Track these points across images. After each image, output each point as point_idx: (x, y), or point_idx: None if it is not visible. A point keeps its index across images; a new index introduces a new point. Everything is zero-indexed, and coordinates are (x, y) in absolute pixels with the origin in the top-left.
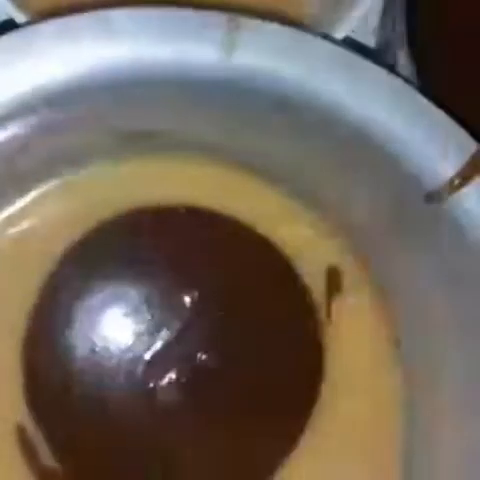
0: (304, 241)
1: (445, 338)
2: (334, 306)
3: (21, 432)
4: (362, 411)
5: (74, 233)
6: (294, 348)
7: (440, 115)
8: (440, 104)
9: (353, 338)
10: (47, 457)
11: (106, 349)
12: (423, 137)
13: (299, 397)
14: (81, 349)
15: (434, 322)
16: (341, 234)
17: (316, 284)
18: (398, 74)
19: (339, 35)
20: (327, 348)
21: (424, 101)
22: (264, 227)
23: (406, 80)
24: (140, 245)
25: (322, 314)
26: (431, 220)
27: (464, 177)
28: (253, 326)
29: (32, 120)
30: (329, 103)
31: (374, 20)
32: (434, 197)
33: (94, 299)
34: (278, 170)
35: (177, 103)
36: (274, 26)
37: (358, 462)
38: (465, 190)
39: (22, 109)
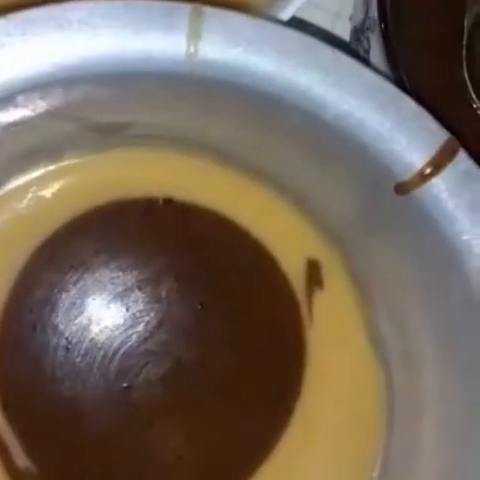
0: (284, 235)
1: (425, 332)
2: (315, 301)
3: None
4: (343, 407)
5: (49, 227)
6: (274, 342)
7: (410, 104)
8: (411, 93)
9: (334, 333)
10: (20, 456)
11: (79, 345)
12: (393, 126)
13: (280, 391)
14: (53, 346)
15: (415, 315)
16: (321, 228)
17: (297, 278)
18: (369, 62)
19: (285, 16)
20: (308, 343)
21: (394, 90)
22: (244, 220)
23: (377, 69)
24: (117, 237)
25: (304, 309)
26: (402, 212)
27: (435, 166)
28: (232, 319)
29: (7, 111)
30: (300, 95)
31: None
32: (404, 188)
33: (68, 294)
34: (257, 163)
35: (150, 96)
36: (241, 16)
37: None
38: (435, 180)
39: None
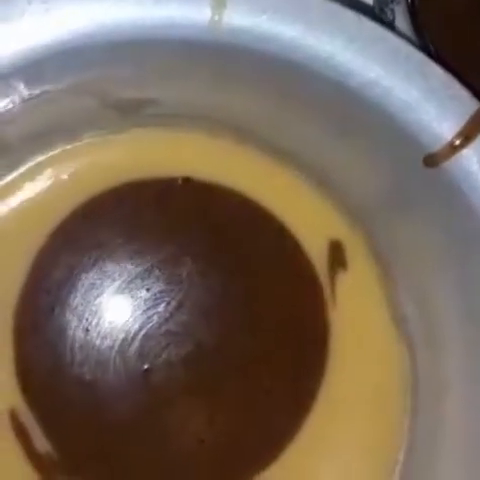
0: (306, 215)
1: (450, 309)
2: (338, 282)
3: (14, 417)
4: (367, 389)
5: (66, 208)
6: (296, 324)
7: (439, 73)
8: (439, 61)
9: (357, 314)
10: (41, 441)
11: (98, 327)
12: (421, 95)
13: (303, 374)
14: (72, 328)
15: (439, 294)
16: (344, 208)
17: (319, 259)
18: (395, 30)
19: None
20: (331, 324)
21: (422, 57)
22: (265, 200)
23: (404, 36)
24: (135, 218)
25: (327, 290)
26: (431, 185)
27: (465, 137)
28: (254, 300)
29: (21, 86)
30: (324, 63)
31: None
32: (434, 159)
33: (87, 275)
34: (278, 142)
35: (170, 67)
36: None
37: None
38: (465, 151)
39: (10, 72)
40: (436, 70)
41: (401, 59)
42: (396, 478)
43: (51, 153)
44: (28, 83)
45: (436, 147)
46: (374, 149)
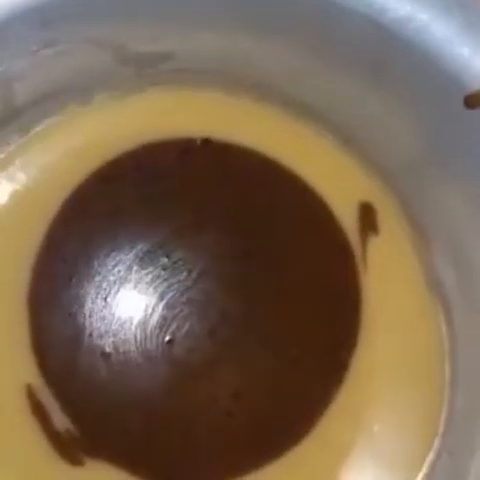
0: (333, 176)
1: None
2: (369, 246)
3: (31, 394)
4: (403, 360)
5: (80, 174)
6: (325, 291)
7: (477, 4)
8: None
9: (390, 280)
10: (60, 418)
11: (118, 296)
12: (460, 30)
13: (333, 344)
14: (90, 298)
15: (478, 255)
16: (374, 168)
17: (349, 223)
18: None
19: None
20: (363, 291)
21: None
22: (289, 161)
23: None
24: (153, 182)
25: (357, 254)
26: (470, 133)
27: None
28: (279, 267)
29: (28, 38)
30: (356, 1)
31: None
32: (475, 99)
33: (104, 243)
34: (301, 98)
35: (188, 16)
36: None
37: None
38: None
39: (14, 23)
40: (475, 2)
41: None
42: (435, 451)
43: (64, 115)
44: (35, 32)
45: (477, 85)
46: (408, 96)
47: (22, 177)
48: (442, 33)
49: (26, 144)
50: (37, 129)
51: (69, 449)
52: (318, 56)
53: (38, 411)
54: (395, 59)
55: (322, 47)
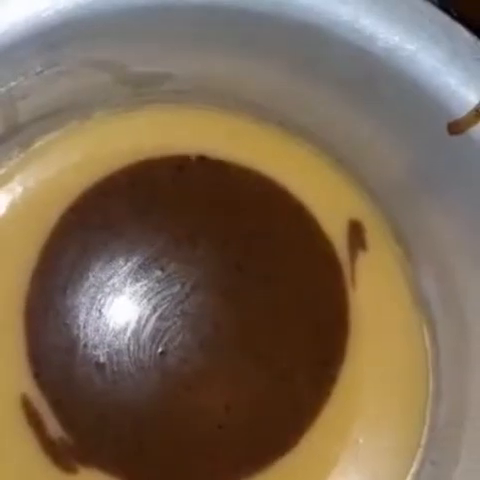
0: (325, 194)
1: (474, 292)
2: (358, 264)
3: (27, 403)
4: (388, 373)
5: (78, 188)
6: (315, 306)
7: (465, 35)
8: (463, 22)
9: (378, 296)
10: (54, 427)
11: (112, 309)
12: (447, 60)
13: (322, 358)
14: (85, 309)
15: (463, 276)
16: (364, 187)
17: (338, 239)
18: None
19: None
20: (351, 306)
21: (447, 20)
22: (282, 178)
23: None
24: (149, 197)
25: (346, 271)
26: (456, 159)
27: None
28: (271, 281)
29: (32, 59)
30: (348, 27)
31: None
32: (458, 126)
33: (99, 255)
34: (296, 117)
35: (186, 38)
36: None
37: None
38: None
39: (20, 45)
40: (462, 32)
41: (426, 22)
42: (418, 462)
43: (63, 131)
44: (39, 54)
45: (461, 113)
46: (396, 122)
47: (21, 191)
48: (430, 63)
49: (26, 159)
50: (37, 145)
51: (63, 457)
52: (309, 80)
53: (33, 420)
54: (384, 86)
55: (314, 71)
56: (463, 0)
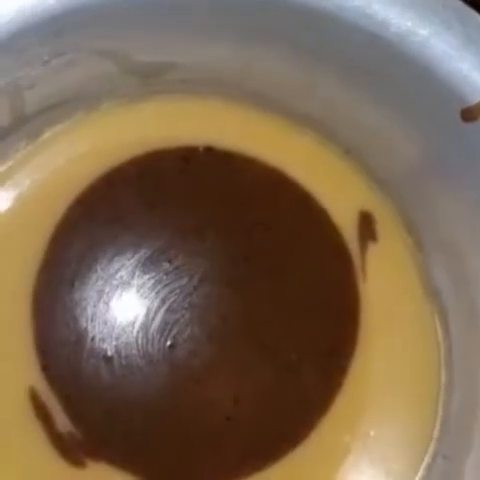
0: (334, 185)
1: None
2: (368, 255)
3: (35, 396)
4: (400, 364)
5: (85, 180)
6: (325, 298)
7: (478, 20)
8: (476, 7)
9: (389, 287)
10: (62, 421)
11: (120, 302)
12: (460, 45)
13: (332, 349)
14: (92, 302)
15: (474, 265)
16: (373, 177)
17: (348, 230)
18: None
19: None
20: (361, 298)
21: (460, 5)
22: (290, 169)
23: None
24: (156, 188)
25: (356, 262)
26: (469, 146)
27: None
28: (279, 273)
29: (38, 48)
30: (359, 12)
31: None
32: (471, 112)
33: (107, 248)
34: (303, 108)
35: (193, 27)
36: None
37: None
38: None
39: (26, 33)
40: (475, 17)
41: (438, 7)
42: (430, 455)
43: (70, 123)
44: (45, 43)
45: (475, 99)
46: (408, 108)
47: (29, 183)
48: (442, 48)
49: (33, 151)
50: (44, 137)
51: (71, 451)
52: (318, 67)
53: (41, 413)
54: (395, 72)
55: (322, 58)
56: None
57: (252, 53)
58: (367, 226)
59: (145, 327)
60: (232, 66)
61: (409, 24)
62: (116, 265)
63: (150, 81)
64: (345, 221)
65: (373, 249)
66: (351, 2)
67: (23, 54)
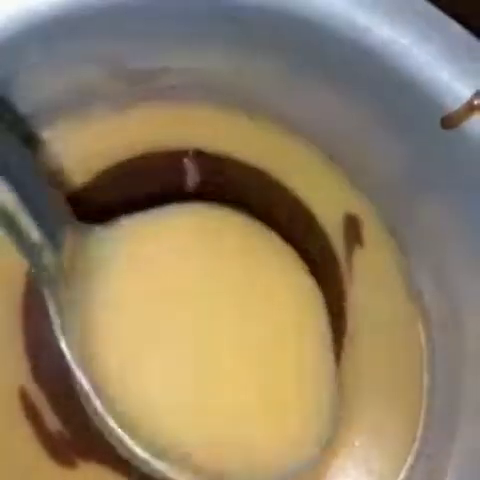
0: (320, 189)
1: (468, 286)
2: (355, 259)
3: (25, 397)
4: (385, 367)
5: (75, 183)
6: None
7: (456, 29)
8: (455, 17)
9: (374, 291)
10: (52, 420)
11: None
12: (438, 53)
13: None
14: None
15: (457, 270)
16: (358, 183)
17: (335, 235)
18: None
19: None
20: (348, 300)
21: (440, 15)
22: (277, 173)
23: None
24: (144, 193)
25: (343, 266)
26: (450, 153)
27: None
28: None
29: (27, 54)
30: (342, 20)
31: None
32: (451, 120)
33: None
34: (290, 112)
35: (181, 36)
36: None
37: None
38: None
39: (15, 39)
40: (454, 26)
41: (420, 16)
42: (414, 455)
43: (59, 128)
44: (35, 49)
45: (454, 107)
46: (391, 116)
47: None
48: (423, 57)
49: None
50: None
51: (62, 451)
52: (301, 75)
53: (30, 413)
54: (377, 81)
55: (305, 67)
56: None
57: (241, 61)
58: (353, 228)
59: None
60: (222, 73)
61: (389, 33)
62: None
63: (141, 87)
64: (331, 225)
65: (359, 252)
66: (334, 10)
67: (12, 59)
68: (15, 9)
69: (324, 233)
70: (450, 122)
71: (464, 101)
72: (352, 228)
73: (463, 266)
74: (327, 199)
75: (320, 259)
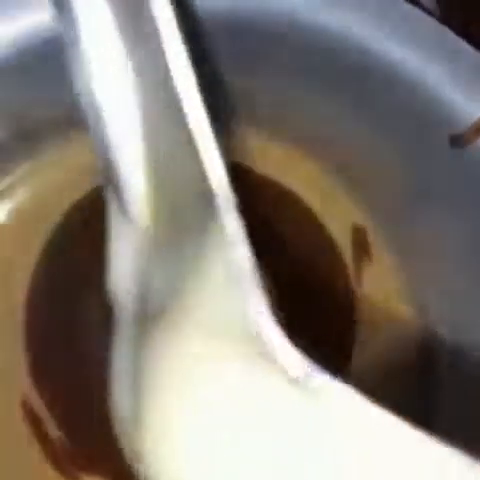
0: (329, 201)
1: (474, 302)
2: (364, 269)
3: (26, 403)
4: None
5: (71, 199)
6: (324, 311)
7: (468, 50)
8: (464, 37)
9: (381, 304)
10: (54, 431)
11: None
12: (446, 74)
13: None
14: (84, 312)
15: (462, 286)
16: (365, 197)
17: (345, 246)
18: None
19: None
20: (357, 312)
21: (449, 34)
22: (288, 183)
23: (427, 10)
24: None
25: (352, 277)
26: (457, 173)
27: None
28: (276, 286)
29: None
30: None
31: None
32: (459, 140)
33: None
34: (293, 126)
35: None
36: None
37: None
38: None
39: None
40: (466, 48)
41: (431, 36)
42: None
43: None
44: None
45: (462, 127)
46: (397, 136)
47: (18, 200)
48: (432, 75)
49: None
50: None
51: (64, 463)
52: (307, 90)
53: (32, 423)
54: (384, 99)
55: (311, 82)
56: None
57: (247, 79)
58: (361, 239)
59: None
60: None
61: (400, 54)
62: None
63: None
64: (340, 233)
65: (367, 265)
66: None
67: None
68: None
69: (333, 244)
70: (459, 142)
71: (472, 120)
72: (360, 238)
73: (467, 282)
74: (335, 211)
75: (329, 271)
